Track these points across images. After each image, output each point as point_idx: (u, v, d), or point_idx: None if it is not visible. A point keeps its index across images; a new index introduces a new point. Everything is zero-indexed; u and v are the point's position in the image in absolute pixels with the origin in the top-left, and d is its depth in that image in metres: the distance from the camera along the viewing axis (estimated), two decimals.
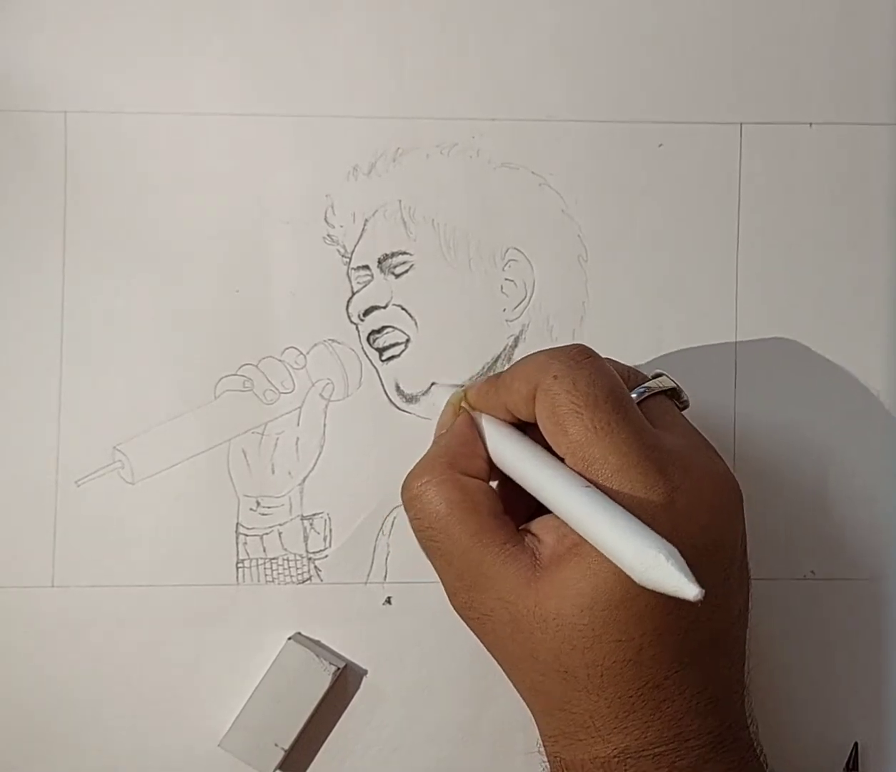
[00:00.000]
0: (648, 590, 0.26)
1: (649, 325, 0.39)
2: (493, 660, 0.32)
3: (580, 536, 0.28)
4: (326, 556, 0.38)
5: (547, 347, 0.31)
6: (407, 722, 0.38)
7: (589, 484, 0.28)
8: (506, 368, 0.32)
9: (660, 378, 0.32)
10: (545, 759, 0.31)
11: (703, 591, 0.24)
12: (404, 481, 0.32)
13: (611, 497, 0.27)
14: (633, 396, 0.31)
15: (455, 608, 0.32)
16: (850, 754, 0.38)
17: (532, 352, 0.32)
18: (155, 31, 0.39)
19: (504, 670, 0.32)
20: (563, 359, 0.30)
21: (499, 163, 0.39)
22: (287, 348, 0.39)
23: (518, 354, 0.39)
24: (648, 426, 0.29)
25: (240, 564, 0.38)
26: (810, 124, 0.40)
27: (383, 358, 0.39)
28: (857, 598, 0.39)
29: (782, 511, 0.39)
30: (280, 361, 0.39)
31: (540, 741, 0.32)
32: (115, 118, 0.38)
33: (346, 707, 0.38)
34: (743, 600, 0.31)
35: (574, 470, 0.29)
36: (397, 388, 0.39)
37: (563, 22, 0.39)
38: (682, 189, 0.39)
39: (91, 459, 0.38)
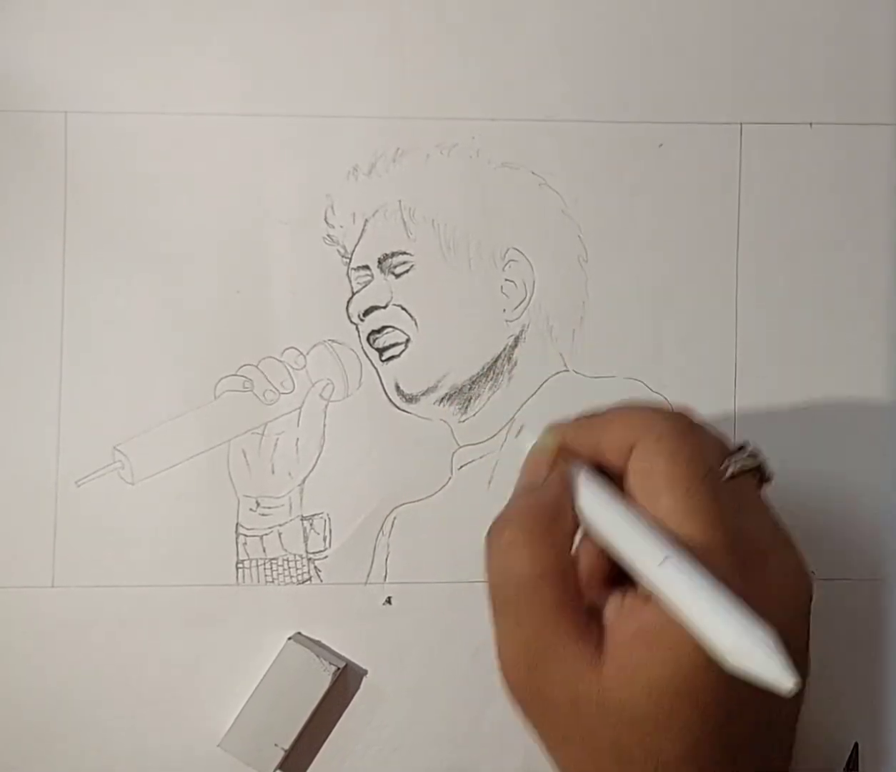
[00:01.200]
0: (718, 682, 0.26)
1: (649, 325, 0.39)
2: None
3: (650, 621, 0.27)
4: (326, 556, 0.38)
5: (649, 403, 0.31)
6: (407, 722, 0.38)
7: (686, 554, 0.27)
8: (604, 410, 0.31)
9: (746, 453, 0.31)
10: None
11: (800, 682, 0.23)
12: (494, 526, 0.29)
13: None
14: (729, 467, 0.30)
15: (508, 681, 0.29)
16: (850, 754, 0.38)
17: (633, 402, 0.31)
18: (155, 32, 0.39)
19: (549, 752, 0.30)
20: (668, 422, 0.29)
21: (499, 163, 0.39)
22: (287, 349, 0.39)
23: (518, 355, 0.39)
24: (734, 516, 0.28)
25: (240, 565, 0.38)
26: (810, 125, 0.40)
27: (383, 358, 0.39)
28: (858, 598, 0.39)
29: (782, 512, 0.39)
30: (280, 361, 0.39)
31: None
32: (115, 118, 0.38)
33: (346, 707, 0.38)
34: (800, 697, 0.31)
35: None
36: (397, 388, 0.39)
37: (564, 22, 0.39)
38: (682, 189, 0.39)
39: (91, 459, 0.38)
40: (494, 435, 0.39)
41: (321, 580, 0.38)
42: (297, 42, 0.39)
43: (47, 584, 0.38)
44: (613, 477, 0.30)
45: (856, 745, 0.38)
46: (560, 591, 0.28)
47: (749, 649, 0.24)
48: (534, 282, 0.39)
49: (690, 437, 0.29)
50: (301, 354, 0.39)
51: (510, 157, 0.39)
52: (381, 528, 0.38)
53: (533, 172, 0.39)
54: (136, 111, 0.38)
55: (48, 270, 0.38)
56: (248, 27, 0.39)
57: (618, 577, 0.31)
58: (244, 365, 0.39)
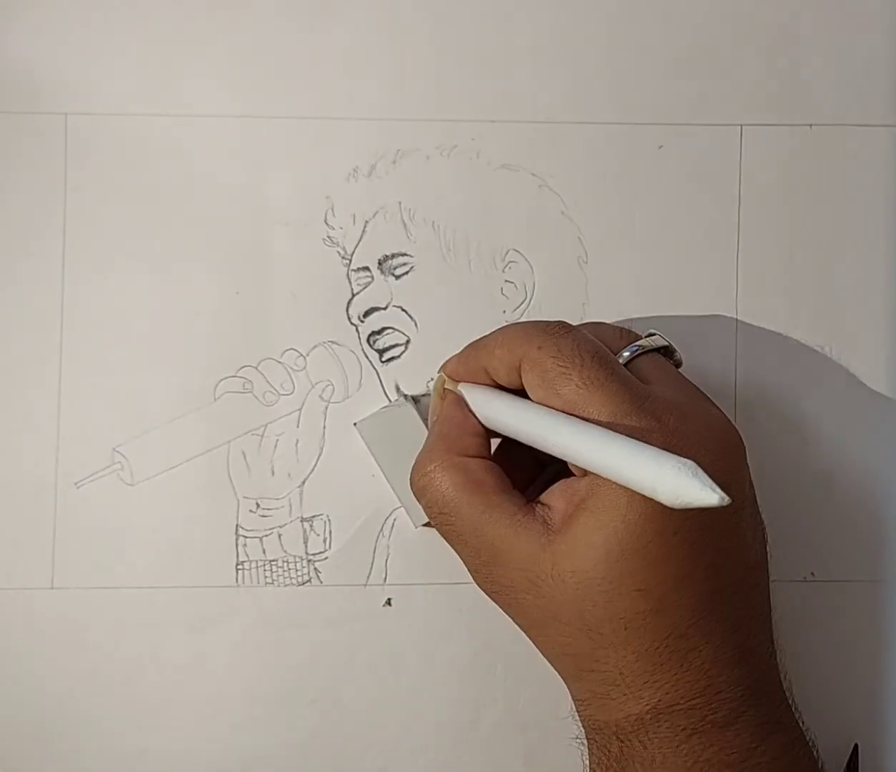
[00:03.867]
0: (660, 537, 0.27)
1: (649, 326, 0.39)
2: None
3: (587, 492, 0.28)
4: (326, 558, 0.38)
5: (525, 320, 0.32)
6: (407, 723, 0.38)
7: (594, 424, 0.28)
8: (481, 336, 0.33)
9: (652, 337, 0.32)
10: (580, 725, 0.32)
11: (725, 496, 0.24)
12: (410, 474, 0.32)
13: None
14: (626, 353, 0.31)
15: (479, 586, 0.32)
16: (850, 755, 0.38)
17: (511, 324, 0.33)
18: (155, 33, 0.39)
19: (532, 640, 0.32)
20: (545, 330, 0.30)
21: (499, 164, 0.39)
22: (287, 350, 0.39)
23: None
24: (638, 381, 0.30)
25: (239, 566, 0.38)
26: (810, 126, 0.40)
27: (383, 359, 0.39)
28: (858, 599, 0.39)
29: (782, 513, 0.39)
30: (280, 362, 0.39)
31: (574, 708, 0.32)
32: (115, 120, 0.38)
33: (344, 709, 0.38)
34: (759, 549, 0.31)
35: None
36: (397, 389, 0.39)
37: (564, 24, 0.39)
38: (682, 191, 0.39)
39: (90, 460, 0.38)
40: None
41: (321, 582, 0.38)
42: (297, 43, 0.39)
43: (46, 585, 0.38)
44: None
45: (855, 746, 0.38)
46: (484, 496, 0.30)
47: (674, 484, 0.25)
48: (534, 283, 0.39)
49: (572, 333, 0.30)
50: (301, 355, 0.39)
51: (510, 159, 0.39)
52: (381, 529, 0.38)
53: (533, 174, 0.39)
54: (136, 112, 0.38)
55: (48, 270, 0.38)
56: (249, 28, 0.39)
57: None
58: (244, 366, 0.38)
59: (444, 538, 0.32)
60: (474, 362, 0.33)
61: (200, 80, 0.39)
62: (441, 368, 0.35)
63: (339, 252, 0.39)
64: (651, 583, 0.28)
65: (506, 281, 0.39)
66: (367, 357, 0.39)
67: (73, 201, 0.38)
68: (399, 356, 0.39)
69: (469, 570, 0.32)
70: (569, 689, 0.32)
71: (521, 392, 0.31)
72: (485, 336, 0.33)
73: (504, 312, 0.39)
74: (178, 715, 0.38)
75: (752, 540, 0.31)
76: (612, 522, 0.28)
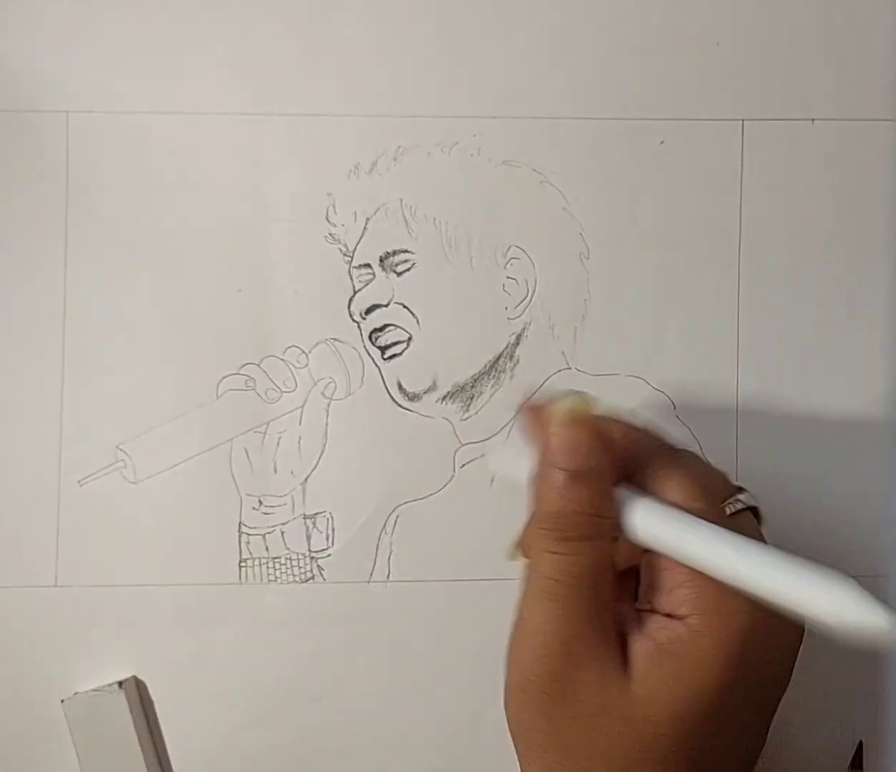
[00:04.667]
0: (733, 696, 0.27)
1: (651, 322, 0.39)
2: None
3: (676, 635, 0.27)
4: (329, 555, 0.38)
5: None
6: (409, 720, 0.38)
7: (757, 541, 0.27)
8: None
9: (744, 494, 0.31)
10: None
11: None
12: (555, 506, 0.28)
13: (717, 598, 0.27)
14: (730, 505, 0.30)
15: (534, 672, 0.28)
16: (855, 753, 0.38)
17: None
18: (156, 32, 0.39)
19: (529, 755, 0.30)
20: (673, 454, 0.30)
21: (500, 161, 0.39)
22: (289, 347, 0.39)
23: (520, 352, 0.39)
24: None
25: (242, 564, 0.38)
26: (812, 121, 0.39)
27: (385, 356, 0.39)
28: None
29: (784, 509, 0.39)
30: (282, 359, 0.39)
31: None
32: (116, 118, 0.38)
33: (347, 706, 0.38)
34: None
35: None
36: (399, 386, 0.39)
37: (564, 20, 0.39)
38: (683, 186, 0.39)
39: (94, 458, 0.38)
40: (497, 433, 0.39)
41: (324, 579, 0.38)
42: (297, 41, 0.39)
43: (50, 583, 0.38)
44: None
45: (860, 743, 0.38)
46: (600, 595, 0.28)
47: (840, 606, 0.24)
48: (535, 279, 0.39)
49: (696, 472, 0.29)
50: (303, 352, 0.39)
51: (511, 155, 0.39)
52: (384, 526, 0.38)
53: (534, 170, 0.39)
54: (137, 111, 0.38)
55: (50, 269, 0.38)
56: (249, 27, 0.39)
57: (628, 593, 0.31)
58: (246, 364, 0.39)
59: (535, 593, 0.28)
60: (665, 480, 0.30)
61: (202, 79, 0.39)
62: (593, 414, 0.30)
63: (340, 249, 0.39)
64: (706, 740, 0.28)
65: (507, 277, 0.39)
66: (368, 354, 0.39)
67: (74, 199, 0.38)
68: (401, 353, 0.39)
69: (531, 649, 0.28)
70: None
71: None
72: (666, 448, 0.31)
73: (506, 308, 0.39)
74: (181, 712, 0.38)
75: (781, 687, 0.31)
76: (700, 679, 0.27)
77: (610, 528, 0.28)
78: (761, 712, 0.29)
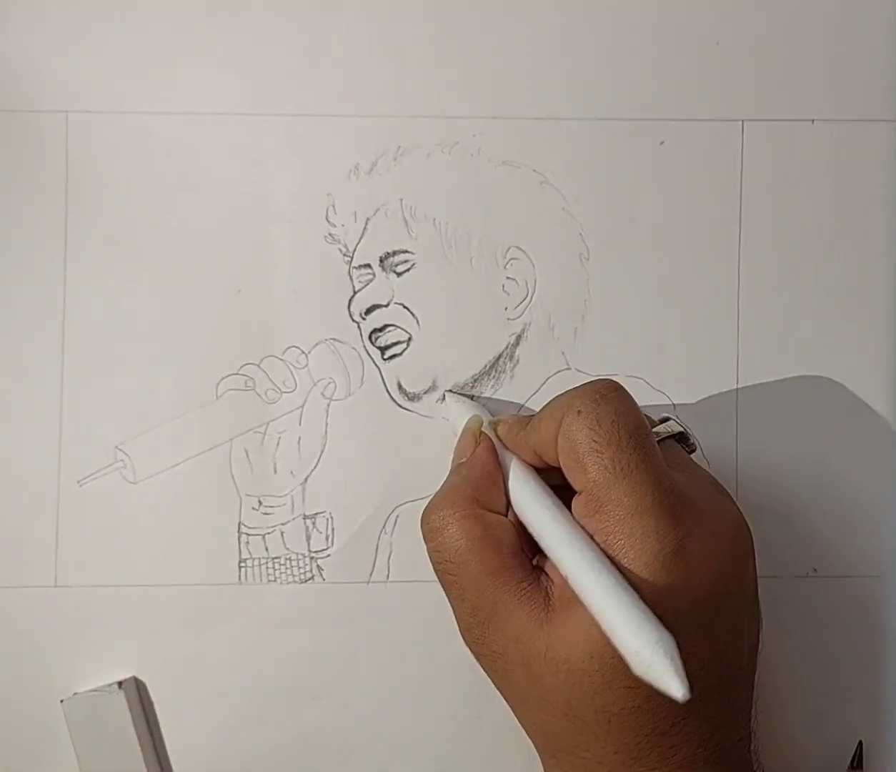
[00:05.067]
0: None
1: (651, 323, 0.39)
2: None
3: None
4: (329, 555, 0.38)
5: (571, 388, 0.31)
6: (409, 721, 0.38)
7: (600, 554, 0.28)
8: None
9: (668, 422, 0.32)
10: None
11: (689, 692, 0.24)
12: (425, 510, 0.32)
13: (622, 541, 0.27)
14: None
15: (466, 643, 0.32)
16: (854, 752, 0.38)
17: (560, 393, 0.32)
18: (156, 31, 0.39)
19: (512, 709, 0.32)
20: (587, 394, 0.30)
21: (500, 161, 0.39)
22: (289, 347, 0.39)
23: (520, 353, 0.39)
24: (667, 470, 0.29)
25: (242, 564, 0.38)
26: (812, 121, 0.39)
27: (385, 357, 0.39)
28: (860, 595, 0.39)
29: (784, 509, 0.39)
30: (282, 360, 0.39)
31: None
32: (116, 118, 0.38)
33: (347, 706, 0.38)
34: (752, 643, 0.31)
35: (587, 515, 0.29)
36: (399, 386, 0.39)
37: (564, 19, 0.39)
38: (683, 187, 0.39)
39: (93, 458, 0.38)
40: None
41: (324, 579, 0.38)
42: (297, 41, 0.39)
43: (50, 583, 0.38)
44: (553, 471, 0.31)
45: (860, 743, 0.38)
46: (497, 557, 0.30)
47: (649, 658, 0.25)
48: (535, 280, 0.39)
49: (612, 401, 0.29)
50: (303, 352, 0.39)
51: (511, 156, 0.39)
52: (384, 526, 0.39)
53: (534, 170, 0.39)
54: (137, 111, 0.38)
55: (49, 269, 0.38)
56: (249, 26, 0.39)
57: None
58: (246, 364, 0.39)
59: (442, 585, 0.32)
60: (522, 439, 0.32)
61: (201, 79, 0.39)
62: (493, 422, 0.34)
63: (340, 249, 0.39)
64: (640, 680, 0.27)
65: (507, 278, 0.39)
66: (368, 354, 0.39)
67: (74, 199, 0.38)
68: (401, 353, 0.39)
69: (460, 625, 0.32)
70: (543, 765, 0.32)
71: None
72: (537, 412, 0.32)
73: (506, 308, 0.39)
74: (181, 712, 0.38)
75: (748, 635, 0.30)
76: None
77: (483, 500, 0.31)
78: (702, 636, 0.28)
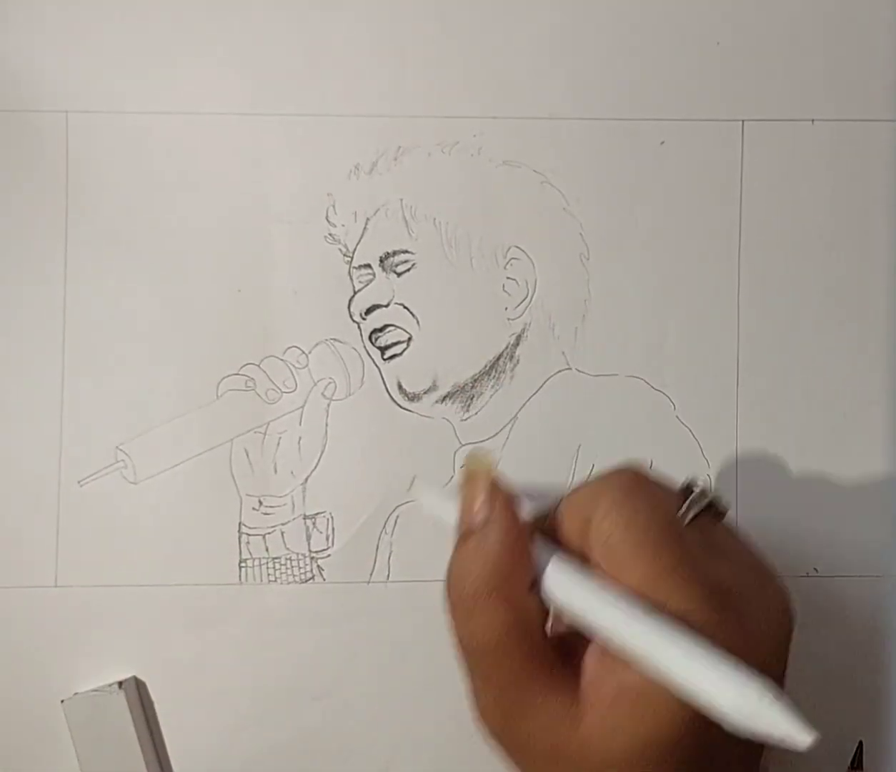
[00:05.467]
0: (700, 738, 0.25)
1: (651, 322, 0.39)
2: None
3: (632, 677, 0.26)
4: (329, 555, 0.38)
5: (593, 479, 0.29)
6: (410, 720, 0.38)
7: (670, 619, 0.26)
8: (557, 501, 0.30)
9: (698, 493, 0.30)
10: None
11: (813, 737, 0.23)
12: (449, 584, 0.29)
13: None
14: (689, 513, 0.29)
15: (483, 728, 0.29)
16: (854, 752, 0.38)
17: (578, 484, 0.30)
18: (156, 32, 0.39)
19: None
20: (615, 489, 0.28)
21: (500, 161, 0.39)
22: (289, 347, 0.39)
23: (520, 353, 0.39)
24: (706, 562, 0.28)
25: (242, 564, 0.38)
26: (812, 121, 0.39)
27: (385, 357, 0.39)
28: (861, 595, 0.39)
29: (785, 508, 0.39)
30: (282, 360, 0.39)
31: None
32: (116, 118, 0.38)
33: (347, 707, 0.38)
34: None
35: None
36: (399, 386, 0.39)
37: (564, 20, 0.39)
38: (683, 186, 0.39)
39: (93, 458, 0.38)
40: (496, 433, 0.39)
41: (324, 579, 0.38)
42: (297, 41, 0.39)
43: (50, 583, 0.38)
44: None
45: (860, 743, 0.38)
46: (528, 644, 0.28)
47: (754, 709, 0.23)
48: (535, 280, 0.39)
49: (641, 495, 0.28)
50: (303, 352, 0.39)
51: (511, 155, 0.39)
52: (384, 526, 0.39)
53: (534, 170, 0.39)
54: (137, 111, 0.38)
55: (50, 269, 0.38)
56: (249, 26, 0.39)
57: None
58: (246, 364, 0.39)
59: (465, 665, 0.29)
60: (548, 529, 0.29)
61: (201, 78, 0.39)
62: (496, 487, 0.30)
63: (340, 249, 0.39)
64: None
65: (507, 278, 0.39)
66: (368, 354, 0.39)
67: (74, 199, 0.38)
68: (401, 353, 0.39)
69: (479, 710, 0.29)
70: None
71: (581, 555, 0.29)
72: (559, 504, 0.30)
73: (506, 308, 0.39)
74: (181, 712, 0.38)
75: None
76: (655, 721, 0.26)
77: (517, 579, 0.28)
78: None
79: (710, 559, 0.28)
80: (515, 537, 0.28)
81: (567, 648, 0.29)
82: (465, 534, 0.29)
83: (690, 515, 0.29)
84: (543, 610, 0.29)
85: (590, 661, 0.28)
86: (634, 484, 0.29)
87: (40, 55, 0.38)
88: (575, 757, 0.27)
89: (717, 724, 0.25)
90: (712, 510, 0.30)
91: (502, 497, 0.29)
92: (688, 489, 0.30)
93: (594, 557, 0.28)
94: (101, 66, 0.38)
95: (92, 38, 0.38)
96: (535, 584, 0.28)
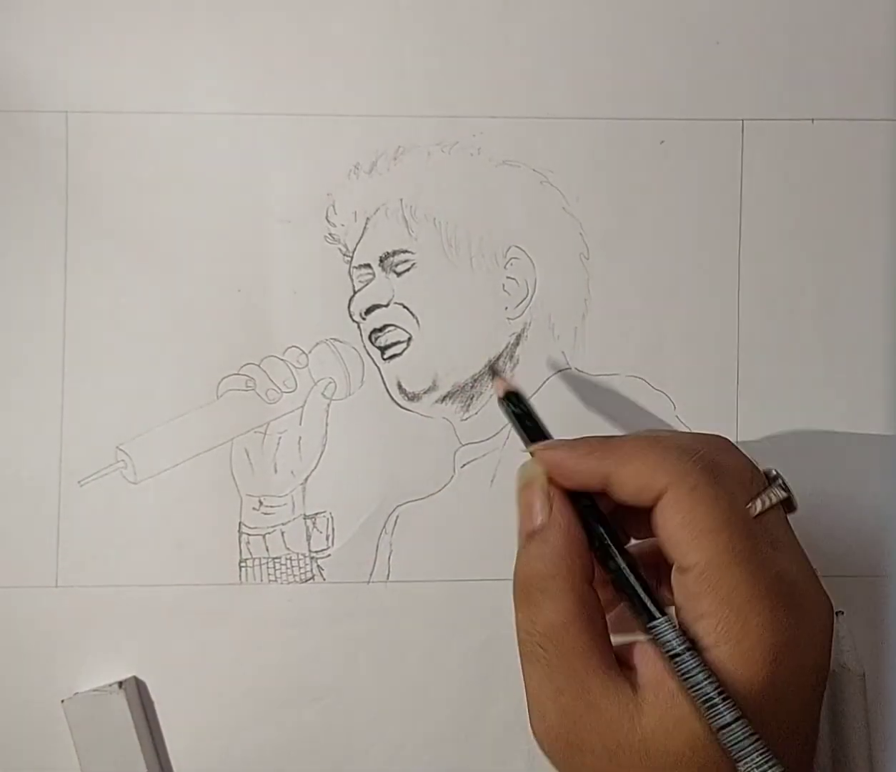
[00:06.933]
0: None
1: (651, 322, 0.39)
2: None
3: None
4: (329, 555, 0.38)
5: (670, 438, 0.30)
6: (410, 720, 0.38)
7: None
8: (615, 436, 0.31)
9: (776, 485, 0.31)
10: None
11: None
12: (519, 575, 0.30)
13: (739, 628, 0.27)
14: (758, 504, 0.29)
15: (538, 732, 0.30)
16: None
17: (653, 435, 0.30)
18: (155, 31, 0.39)
19: None
20: (698, 468, 0.29)
21: (500, 160, 0.39)
22: (289, 347, 0.39)
23: (520, 353, 0.39)
24: (775, 556, 0.29)
25: (243, 564, 0.38)
26: (812, 120, 0.39)
27: (385, 357, 0.39)
28: (861, 595, 0.39)
29: None
30: (282, 360, 0.39)
31: None
32: (115, 118, 0.38)
33: (348, 706, 0.38)
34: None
35: (697, 595, 0.28)
36: (399, 386, 0.39)
37: (564, 19, 0.39)
38: (683, 186, 0.39)
39: (94, 458, 0.38)
40: (497, 433, 0.39)
41: (324, 579, 0.38)
42: (297, 41, 0.39)
43: (51, 583, 0.38)
44: (618, 508, 0.30)
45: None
46: (590, 637, 0.29)
47: None
48: (535, 280, 0.39)
49: (724, 480, 0.29)
50: (303, 352, 0.39)
51: (511, 155, 0.39)
52: (384, 526, 0.39)
53: (534, 170, 0.39)
54: (137, 110, 0.38)
55: (50, 269, 0.38)
56: (249, 26, 0.39)
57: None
58: (246, 364, 0.39)
59: (525, 662, 0.30)
60: (595, 464, 0.30)
61: (201, 78, 0.39)
62: (541, 447, 0.31)
63: (340, 249, 0.39)
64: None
65: (507, 277, 0.39)
66: (368, 354, 0.39)
67: (74, 199, 0.38)
68: (401, 353, 0.39)
69: (535, 711, 0.29)
70: None
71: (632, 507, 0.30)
72: (612, 438, 0.31)
73: (506, 308, 0.39)
74: (181, 712, 0.38)
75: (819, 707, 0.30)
76: None
77: (579, 572, 0.29)
78: (797, 725, 0.28)
79: (776, 550, 0.29)
80: (574, 535, 0.30)
81: (622, 652, 0.29)
82: (528, 538, 0.30)
83: (763, 504, 0.29)
84: (602, 610, 0.30)
85: (645, 661, 0.29)
86: (716, 467, 0.29)
87: (40, 55, 0.38)
88: (635, 756, 0.28)
89: (773, 722, 0.26)
90: (785, 505, 0.31)
91: (559, 498, 0.30)
92: (767, 476, 0.31)
93: (663, 530, 0.29)
94: (101, 66, 0.38)
95: (92, 38, 0.38)
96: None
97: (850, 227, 0.39)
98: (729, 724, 0.26)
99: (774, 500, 0.30)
